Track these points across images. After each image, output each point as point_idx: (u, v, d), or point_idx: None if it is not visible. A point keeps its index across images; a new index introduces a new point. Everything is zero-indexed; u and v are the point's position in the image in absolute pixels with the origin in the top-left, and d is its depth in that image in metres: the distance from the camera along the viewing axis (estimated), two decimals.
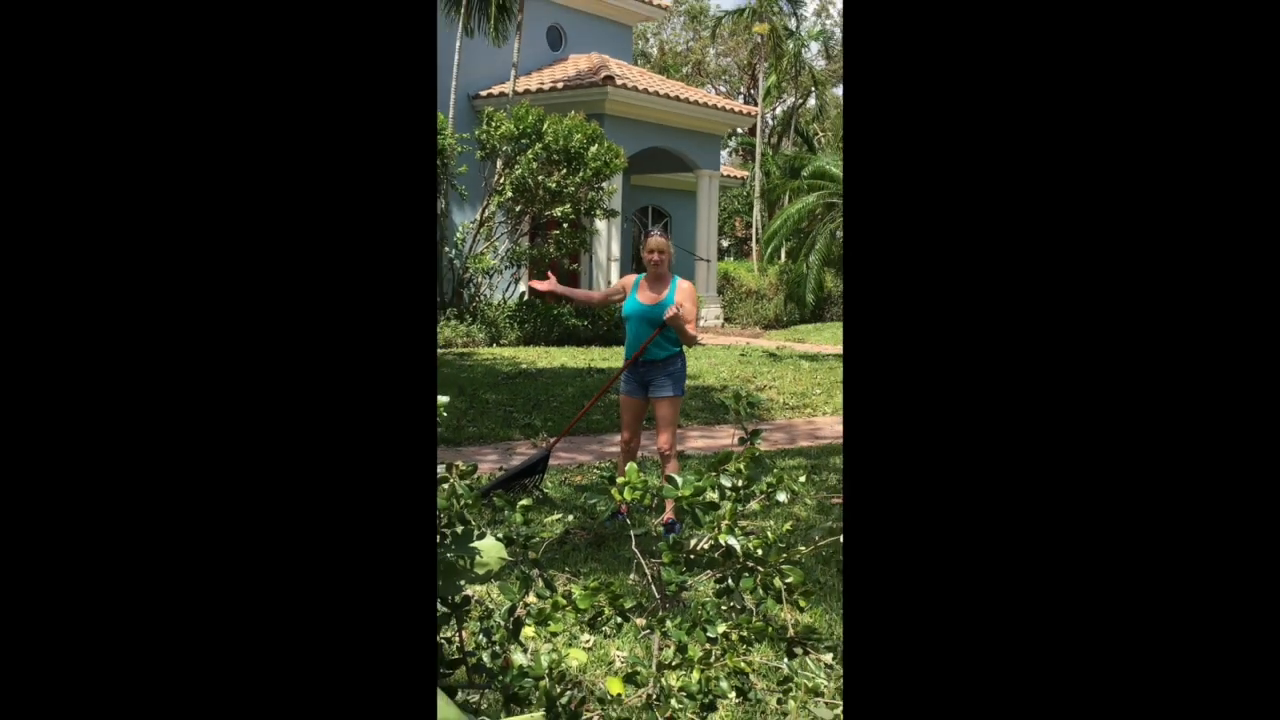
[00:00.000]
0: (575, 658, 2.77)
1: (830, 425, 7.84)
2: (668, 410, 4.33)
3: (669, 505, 4.29)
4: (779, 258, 15.29)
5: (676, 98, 15.65)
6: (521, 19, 13.60)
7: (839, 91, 31.66)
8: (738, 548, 1.54)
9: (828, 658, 1.55)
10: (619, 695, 1.56)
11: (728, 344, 13.69)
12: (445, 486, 1.40)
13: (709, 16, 31.21)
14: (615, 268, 14.44)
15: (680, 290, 4.34)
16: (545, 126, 12.27)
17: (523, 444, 6.49)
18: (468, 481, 1.47)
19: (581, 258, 14.61)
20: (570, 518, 4.49)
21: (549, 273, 4.86)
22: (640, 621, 1.80)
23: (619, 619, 1.57)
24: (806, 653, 1.47)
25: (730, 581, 1.55)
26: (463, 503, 1.40)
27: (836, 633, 3.44)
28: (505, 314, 12.86)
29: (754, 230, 21.16)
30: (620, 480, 1.72)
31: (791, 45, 24.67)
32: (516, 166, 12.44)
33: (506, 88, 14.27)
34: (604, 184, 12.93)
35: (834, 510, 4.81)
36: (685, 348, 4.45)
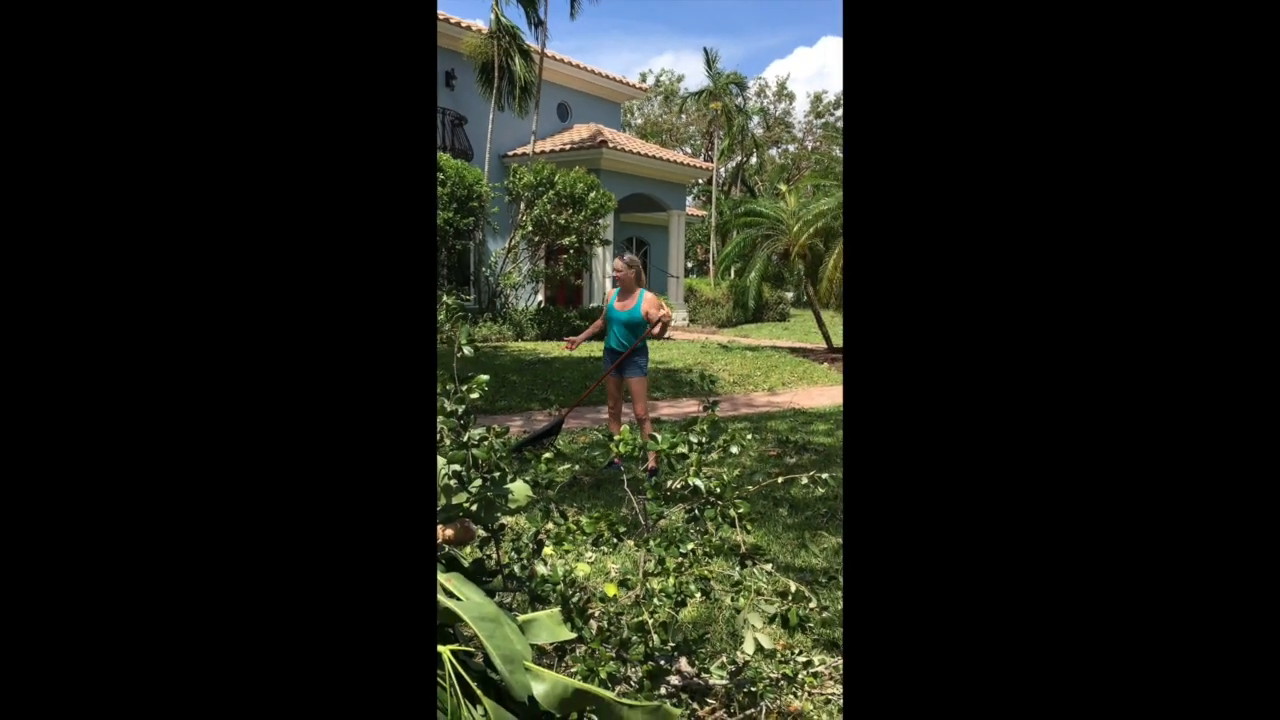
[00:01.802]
0: (581, 569, 2.77)
1: (765, 399, 7.84)
2: (638, 386, 4.47)
3: (651, 456, 4.34)
4: (729, 275, 15.28)
5: (654, 156, 15.57)
6: (538, 98, 13.48)
7: (773, 152, 31.58)
8: (702, 487, 1.53)
9: (768, 567, 1.54)
10: (614, 596, 1.56)
11: (692, 339, 13.66)
12: (485, 443, 1.39)
13: (678, 96, 31.10)
14: (609, 283, 14.38)
15: (646, 300, 4.48)
16: (556, 178, 12.19)
17: (540, 413, 6.46)
18: (502, 439, 1.45)
19: (584, 275, 14.55)
20: (577, 467, 4.49)
21: (570, 339, 4.82)
22: (630, 543, 1.80)
23: (614, 539, 1.57)
24: (753, 564, 1.47)
25: (697, 512, 1.55)
26: (498, 455, 1.39)
27: (774, 549, 3.44)
28: (528, 317, 12.81)
29: (711, 254, 21.10)
30: (616, 438, 1.72)
31: (739, 119, 24.56)
32: (535, 208, 12.35)
33: (528, 149, 14.15)
34: (600, 220, 12.86)
35: (769, 461, 4.81)
36: (646, 341, 4.53)
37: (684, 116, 30.49)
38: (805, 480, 1.55)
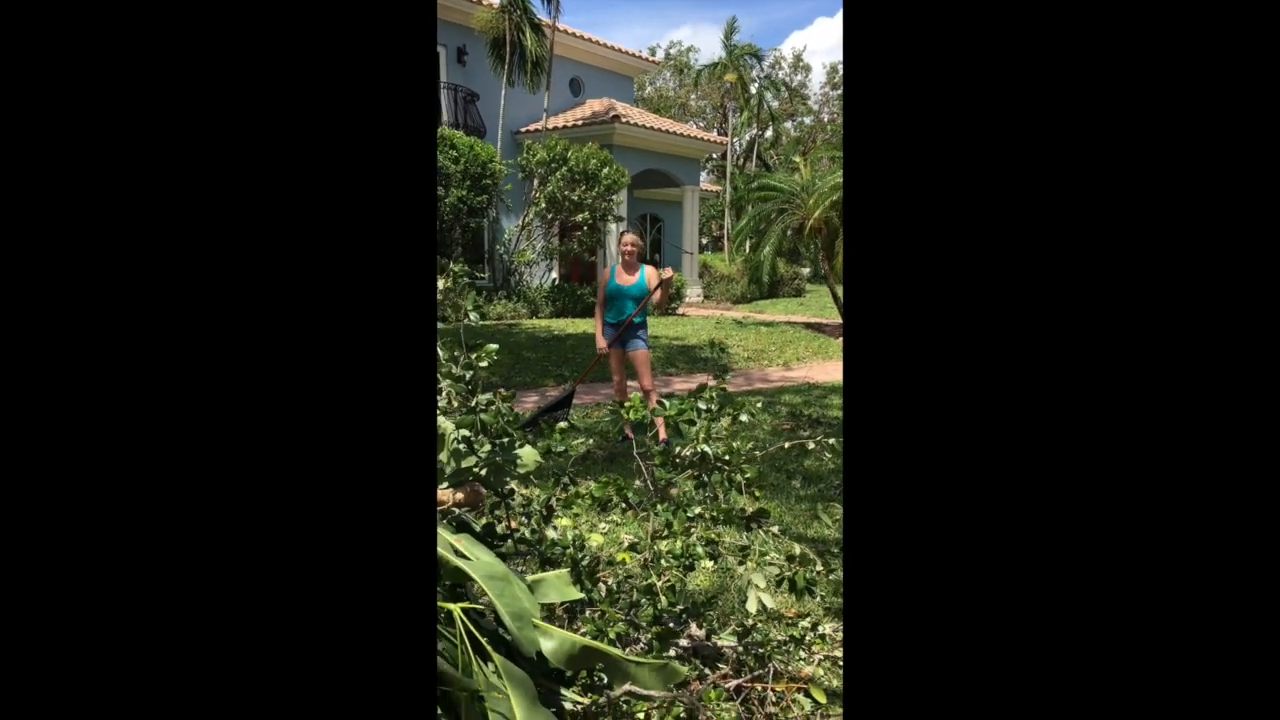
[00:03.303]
0: (595, 540, 2.80)
1: (780, 374, 7.82)
2: (642, 358, 4.53)
3: (661, 427, 4.37)
4: (744, 250, 15.19)
5: (667, 131, 15.41)
6: (550, 73, 13.36)
7: (789, 125, 31.16)
8: (710, 453, 1.54)
9: (775, 529, 1.56)
10: (624, 560, 1.58)
11: (706, 315, 13.61)
12: (493, 408, 1.40)
13: (690, 70, 30.67)
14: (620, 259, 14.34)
15: (649, 272, 4.59)
16: (569, 154, 12.12)
17: (553, 389, 6.50)
18: (509, 404, 1.47)
19: (597, 252, 14.50)
20: (591, 440, 4.53)
21: (600, 348, 4.69)
22: (642, 514, 1.82)
23: (624, 505, 1.58)
24: (759, 528, 1.48)
25: (705, 477, 1.56)
26: (505, 419, 1.40)
27: (786, 519, 3.46)
28: (542, 294, 12.82)
29: (725, 230, 20.94)
30: (626, 406, 1.73)
31: (755, 89, 24.21)
32: (548, 184, 12.30)
33: (540, 125, 14.07)
34: (613, 197, 12.79)
35: (783, 434, 4.82)
36: (646, 315, 4.59)
37: (698, 90, 30.10)
38: (812, 444, 1.55)
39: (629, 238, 4.62)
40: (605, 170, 12.32)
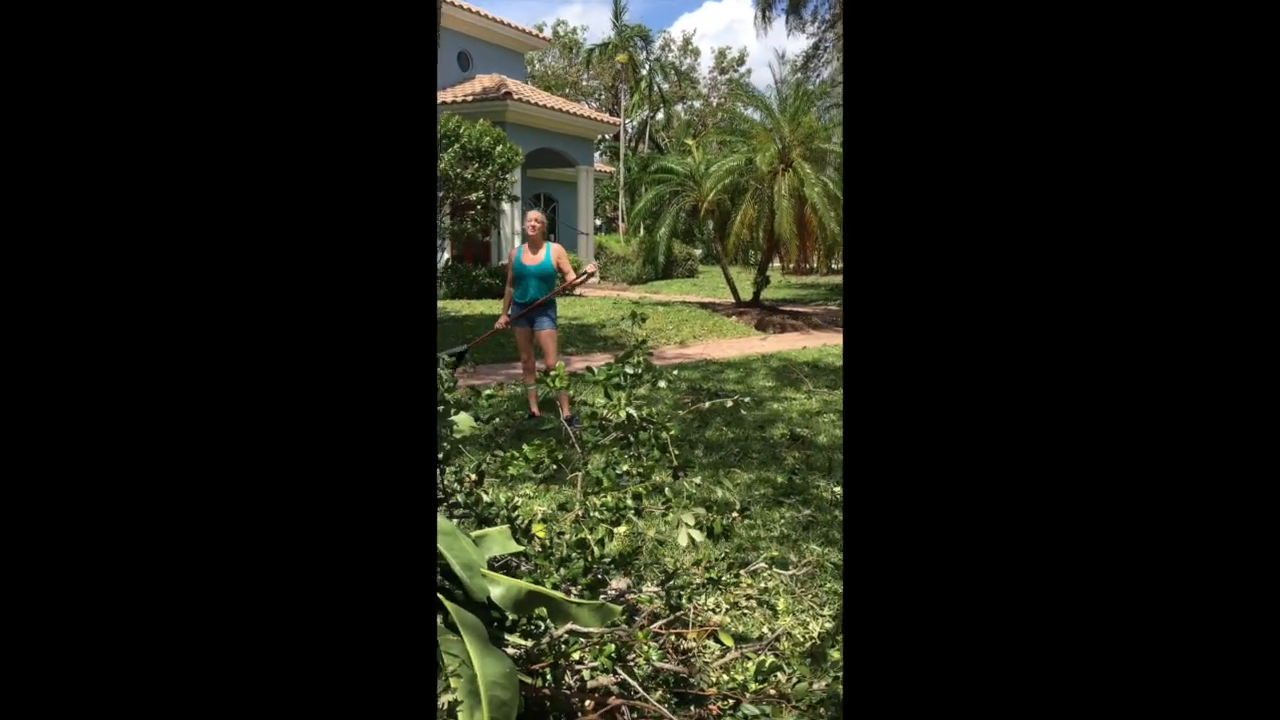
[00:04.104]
0: (525, 503, 2.88)
1: (676, 351, 8.09)
2: (549, 338, 4.64)
3: (565, 404, 4.49)
4: (639, 231, 15.42)
5: (560, 110, 15.33)
6: (436, 45, 12.97)
7: (680, 108, 31.58)
8: (635, 415, 1.67)
9: (697, 480, 1.71)
10: (553, 518, 1.69)
11: (603, 295, 13.75)
12: None
13: (580, 49, 30.48)
14: (517, 239, 14.19)
15: (554, 251, 4.67)
16: (462, 130, 11.85)
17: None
18: (441, 371, 1.53)
19: (492, 232, 14.29)
20: (497, 419, 4.57)
21: (504, 317, 4.75)
22: (569, 479, 1.92)
23: (554, 467, 1.69)
24: (684, 475, 1.62)
25: (630, 437, 1.69)
26: (445, 387, 1.47)
27: (685, 483, 3.67)
28: (436, 275, 12.53)
29: (620, 211, 21.09)
30: (552, 375, 1.82)
31: (645, 70, 24.38)
32: (440, 162, 11.99)
33: None
34: (507, 175, 12.61)
35: (684, 406, 5.04)
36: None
37: (589, 70, 29.96)
38: (730, 402, 1.71)
39: (534, 214, 4.68)
40: (499, 148, 12.13)
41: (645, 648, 1.60)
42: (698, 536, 1.33)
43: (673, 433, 1.60)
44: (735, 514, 1.59)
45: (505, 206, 13.50)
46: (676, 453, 1.72)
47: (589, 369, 1.78)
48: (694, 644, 2.11)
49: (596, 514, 1.57)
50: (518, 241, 14.10)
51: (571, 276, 4.64)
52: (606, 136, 23.46)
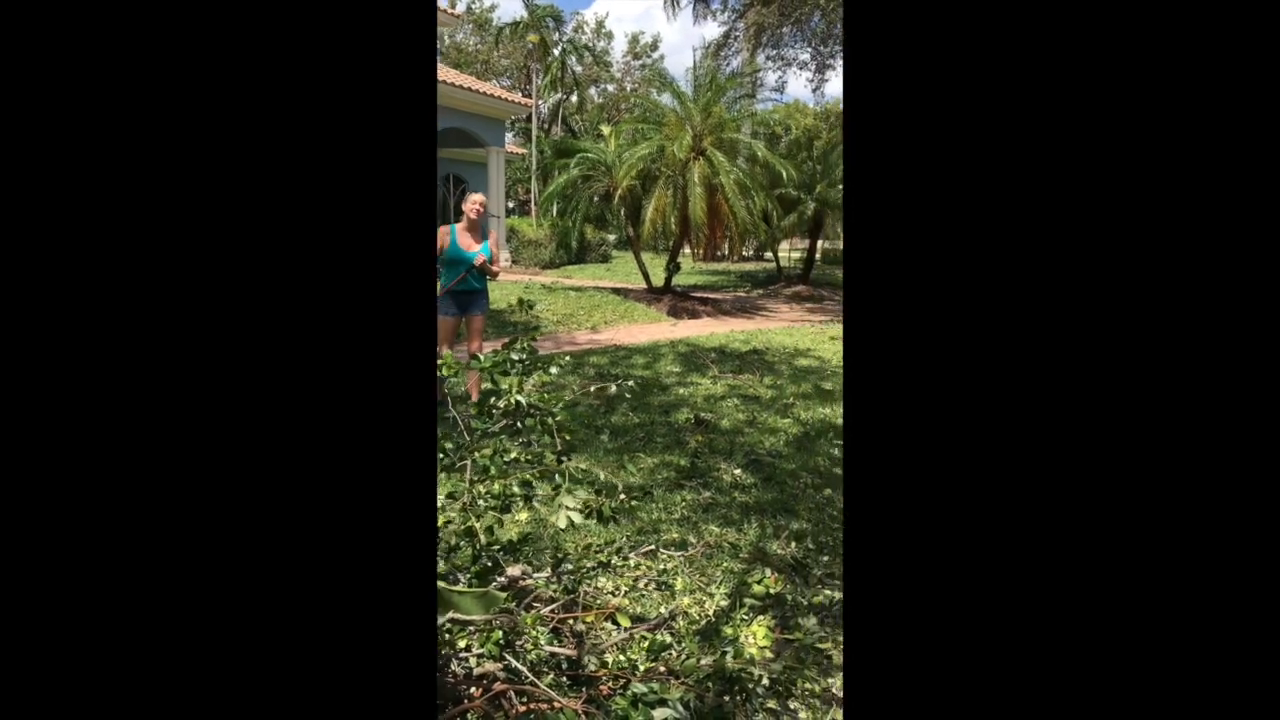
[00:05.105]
0: None
1: (587, 337, 8.10)
2: (481, 324, 4.64)
3: (474, 389, 4.43)
4: (551, 215, 15.28)
5: (470, 89, 14.95)
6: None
7: (593, 91, 31.38)
8: (524, 401, 1.67)
9: (584, 464, 1.72)
10: (441, 506, 1.67)
11: (515, 280, 13.57)
12: None
13: (491, 27, 29.81)
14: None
15: (492, 240, 4.66)
16: None
17: None
18: None
19: None
20: None
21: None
22: (459, 467, 1.90)
23: (443, 457, 1.67)
24: (569, 459, 1.64)
25: (519, 424, 1.68)
26: None
27: (590, 466, 3.69)
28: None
29: (533, 195, 20.84)
30: (439, 362, 1.79)
31: (558, 52, 24.09)
32: None
33: None
34: None
35: (590, 390, 5.06)
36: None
37: (500, 49, 29.32)
38: (614, 387, 1.73)
39: (477, 197, 4.53)
40: None
41: (534, 633, 1.61)
42: (577, 519, 1.34)
43: (559, 418, 1.61)
44: (623, 496, 1.62)
45: None
46: (568, 436, 1.73)
47: (474, 356, 1.76)
48: (591, 626, 2.14)
49: (484, 501, 1.56)
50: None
51: (498, 267, 4.62)
52: (519, 118, 23.06)
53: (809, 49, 17.72)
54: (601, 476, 1.62)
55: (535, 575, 2.04)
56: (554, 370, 1.88)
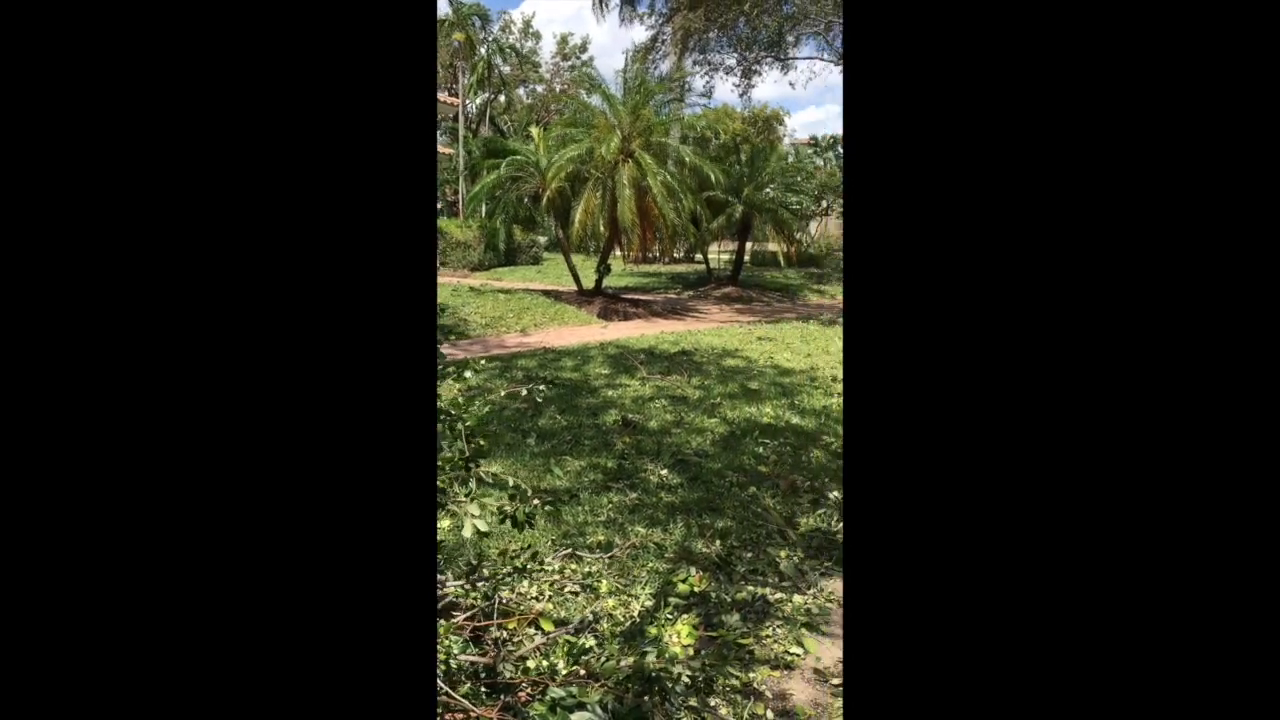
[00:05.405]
0: None
1: (517, 339, 8.01)
2: None
3: None
4: (479, 216, 15.06)
5: None
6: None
7: (521, 92, 31.10)
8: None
9: (495, 468, 1.70)
10: None
11: (444, 282, 13.30)
12: None
13: None
14: None
15: None
16: None
17: None
18: None
19: None
20: None
21: None
22: None
23: None
24: (476, 465, 1.61)
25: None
26: None
27: (522, 474, 3.65)
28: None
29: (460, 195, 20.49)
30: None
31: (484, 51, 23.77)
32: None
33: None
34: None
35: (517, 395, 5.01)
36: None
37: None
38: (525, 390, 1.71)
39: None
40: None
41: (447, 641, 1.58)
42: (483, 526, 1.33)
43: (470, 422, 1.59)
44: (536, 501, 1.60)
45: None
46: (482, 442, 1.71)
47: None
48: (514, 633, 2.12)
49: None
50: None
51: None
52: (446, 118, 22.65)
53: (735, 54, 18.02)
54: (511, 481, 1.60)
55: (452, 584, 2.00)
56: (469, 375, 1.84)
